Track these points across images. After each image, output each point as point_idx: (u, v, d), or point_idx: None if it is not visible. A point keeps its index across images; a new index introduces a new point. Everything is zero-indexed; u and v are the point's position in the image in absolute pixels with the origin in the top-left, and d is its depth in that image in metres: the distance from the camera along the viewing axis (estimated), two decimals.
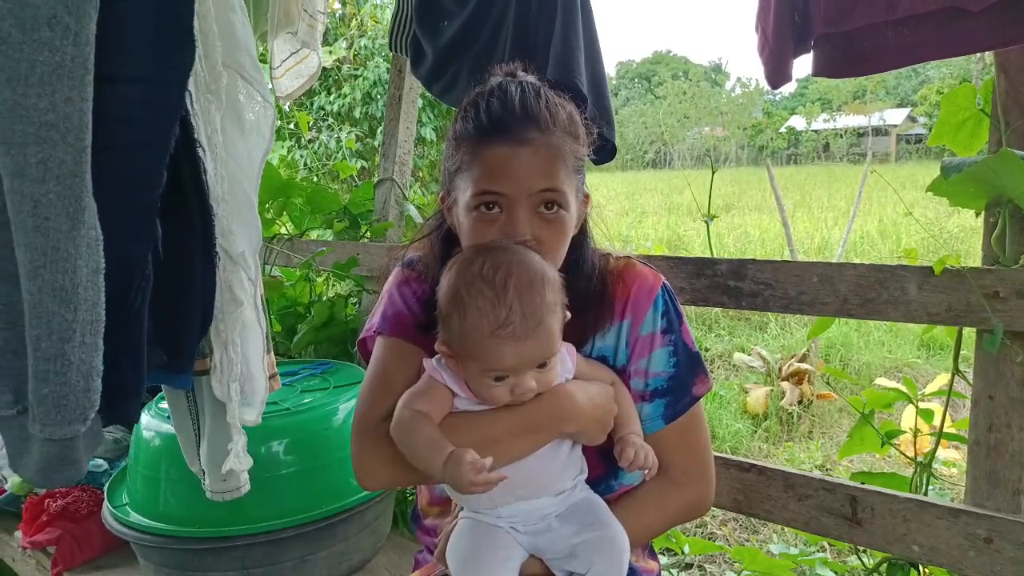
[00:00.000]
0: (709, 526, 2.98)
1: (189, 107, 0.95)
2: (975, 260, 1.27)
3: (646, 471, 0.97)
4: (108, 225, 0.80)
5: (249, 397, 1.14)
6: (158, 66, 0.86)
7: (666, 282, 1.10)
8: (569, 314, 0.94)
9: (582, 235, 1.06)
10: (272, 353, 1.27)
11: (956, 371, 1.33)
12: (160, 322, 0.93)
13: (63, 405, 0.77)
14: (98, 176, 0.77)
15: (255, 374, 1.14)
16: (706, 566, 2.65)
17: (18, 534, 1.91)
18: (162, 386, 1.20)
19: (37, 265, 0.73)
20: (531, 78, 1.03)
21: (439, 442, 0.89)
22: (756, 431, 4.04)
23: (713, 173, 1.75)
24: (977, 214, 1.26)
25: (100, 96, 0.76)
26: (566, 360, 0.98)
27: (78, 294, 0.75)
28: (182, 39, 0.87)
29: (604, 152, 1.62)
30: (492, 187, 0.95)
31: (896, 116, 44.98)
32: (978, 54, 1.22)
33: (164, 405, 1.62)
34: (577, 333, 1.04)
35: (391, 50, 2.21)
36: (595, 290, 1.06)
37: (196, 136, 0.96)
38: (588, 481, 1.01)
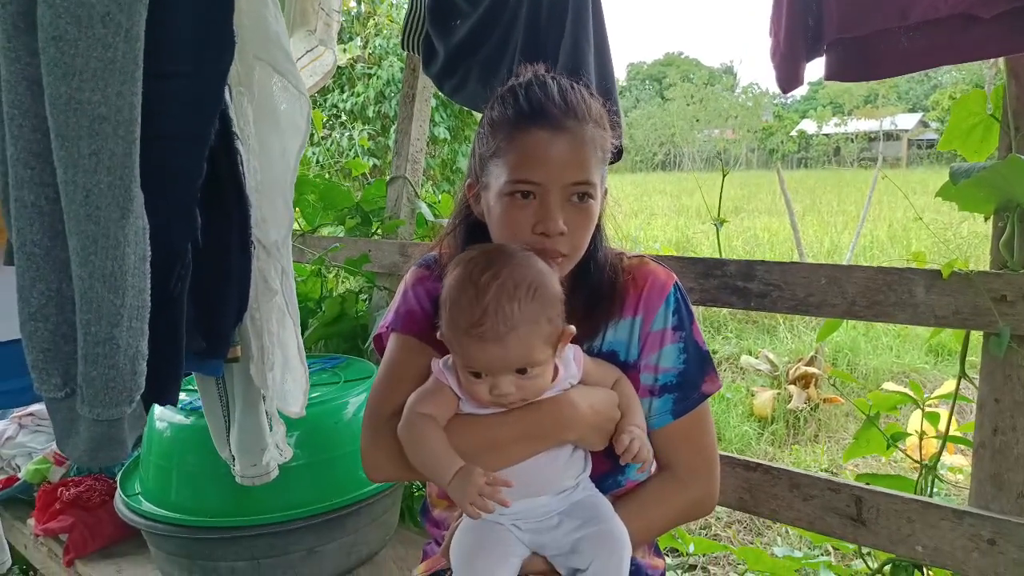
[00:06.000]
0: (713, 527, 2.98)
1: (227, 100, 0.98)
2: (986, 265, 1.28)
3: (642, 465, 0.98)
4: (151, 214, 0.83)
5: (292, 388, 1.17)
6: (199, 62, 0.89)
7: (678, 281, 1.11)
8: (573, 328, 0.95)
9: (596, 228, 1.08)
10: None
11: (963, 374, 1.34)
12: (198, 309, 0.96)
13: (111, 387, 0.80)
14: (142, 167, 0.80)
15: (293, 365, 1.16)
16: (710, 567, 2.65)
17: (31, 522, 1.93)
18: (193, 373, 1.23)
19: (88, 252, 0.76)
20: (561, 77, 1.05)
21: (448, 453, 0.92)
22: (763, 434, 4.04)
23: (724, 176, 1.76)
24: (986, 219, 1.27)
25: (145, 91, 0.79)
26: (571, 365, 0.99)
27: (126, 280, 0.79)
28: (222, 36, 0.90)
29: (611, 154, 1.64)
30: (528, 176, 0.96)
31: (908, 121, 44.74)
32: (991, 59, 1.23)
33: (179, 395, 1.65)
34: (589, 326, 1.05)
35: (403, 49, 2.23)
36: (607, 282, 1.08)
37: (233, 129, 0.99)
38: (594, 476, 1.02)
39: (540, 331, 0.90)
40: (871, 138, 44.35)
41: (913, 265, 1.30)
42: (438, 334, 0.95)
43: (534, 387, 0.93)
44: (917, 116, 45.95)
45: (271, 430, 1.22)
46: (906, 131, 43.46)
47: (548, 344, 0.92)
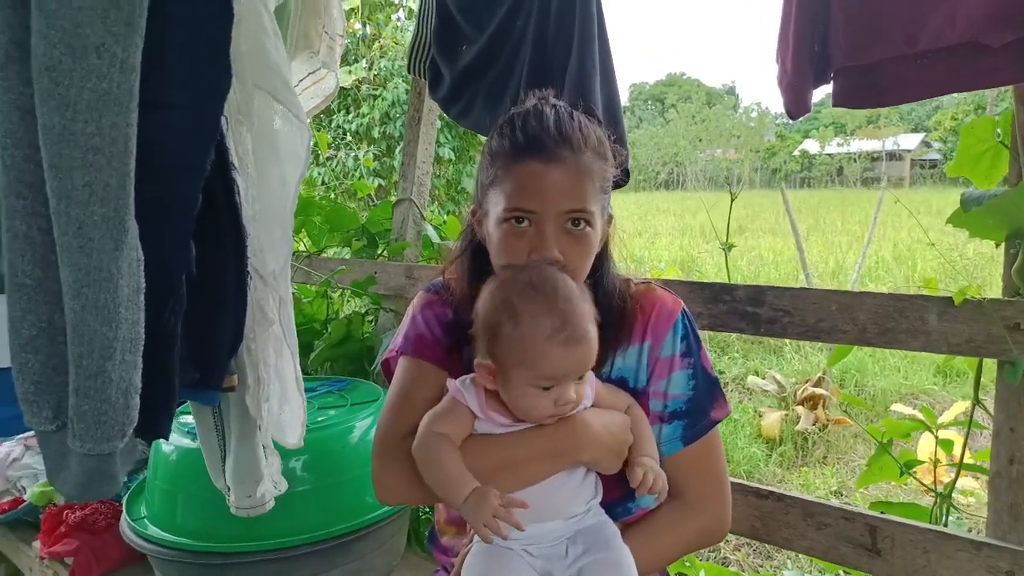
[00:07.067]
0: (723, 551, 2.95)
1: (224, 129, 0.98)
2: (994, 287, 1.27)
3: (656, 495, 0.98)
4: (145, 245, 0.82)
5: (290, 419, 1.15)
6: (196, 92, 0.89)
7: (685, 307, 1.11)
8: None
9: (603, 256, 1.08)
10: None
11: (977, 402, 1.33)
12: (191, 340, 0.95)
13: (103, 421, 0.79)
14: (137, 198, 0.79)
15: (291, 395, 1.15)
16: None
17: (36, 544, 1.92)
18: (189, 402, 1.22)
19: (81, 284, 0.75)
20: (564, 103, 1.05)
21: (463, 473, 0.91)
22: (771, 455, 4.01)
23: (732, 201, 1.76)
24: (997, 245, 1.27)
25: (140, 121, 0.78)
26: (586, 387, 0.99)
27: (119, 313, 0.77)
28: (219, 66, 0.90)
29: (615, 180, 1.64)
30: (523, 204, 0.97)
31: (910, 141, 44.88)
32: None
33: (184, 419, 1.64)
34: (598, 353, 1.05)
35: (409, 73, 2.25)
36: (615, 310, 1.07)
37: (230, 159, 0.99)
38: (605, 503, 1.01)
39: (596, 332, 0.93)
40: (874, 158, 44.47)
41: (924, 291, 1.29)
42: (478, 359, 0.94)
43: (584, 392, 0.95)
44: (919, 136, 46.11)
45: (266, 461, 1.20)
46: (908, 151, 43.58)
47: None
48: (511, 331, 0.90)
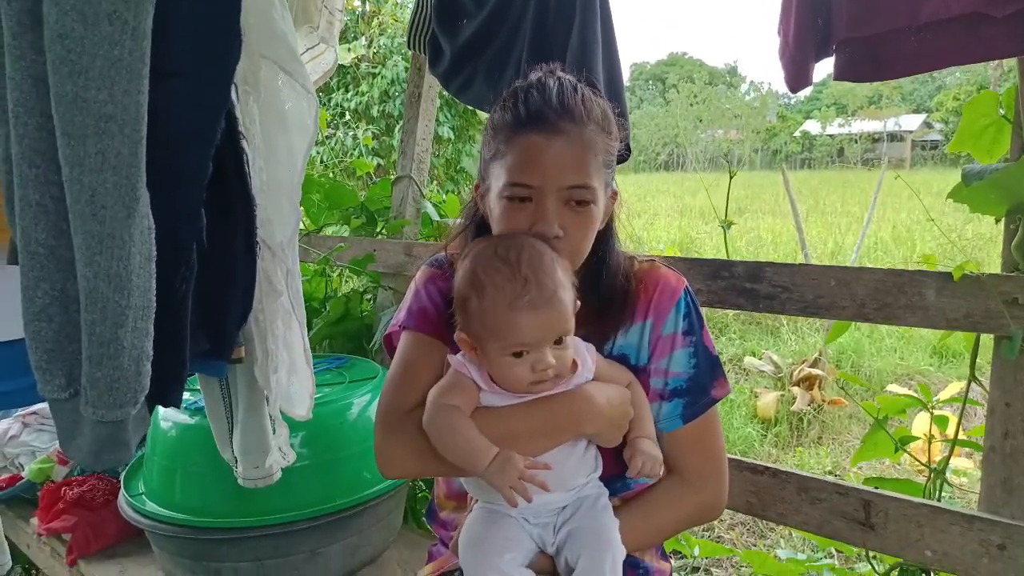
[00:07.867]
0: (716, 529, 2.97)
1: (233, 99, 0.98)
2: (992, 268, 1.27)
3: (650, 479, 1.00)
4: (156, 214, 0.82)
5: (298, 390, 1.16)
6: (206, 61, 0.89)
7: (688, 286, 1.11)
8: (579, 302, 0.96)
9: (608, 232, 1.08)
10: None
11: (973, 378, 1.33)
12: (201, 310, 0.96)
13: (115, 388, 0.80)
14: (148, 167, 0.80)
15: (299, 366, 1.15)
16: (713, 570, 2.64)
17: (34, 521, 1.93)
18: (196, 375, 1.22)
19: (93, 252, 0.75)
20: (569, 76, 1.04)
21: (482, 440, 0.92)
22: (766, 436, 4.03)
23: (731, 178, 1.75)
24: (997, 220, 1.26)
25: (151, 90, 0.79)
26: (587, 360, 0.99)
27: (131, 281, 0.78)
28: (229, 35, 0.90)
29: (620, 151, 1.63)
30: (523, 179, 0.97)
31: (912, 122, 44.67)
32: (997, 60, 1.22)
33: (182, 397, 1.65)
34: (599, 330, 1.05)
35: (409, 48, 2.23)
36: (619, 288, 1.07)
37: (239, 128, 0.98)
38: (603, 478, 1.02)
39: (570, 296, 0.92)
40: (875, 139, 44.29)
41: (923, 267, 1.29)
42: (457, 332, 0.96)
43: (566, 359, 0.94)
44: (921, 117, 45.90)
45: (274, 432, 1.20)
46: (910, 132, 43.39)
47: (573, 311, 0.94)
48: (477, 304, 0.91)
